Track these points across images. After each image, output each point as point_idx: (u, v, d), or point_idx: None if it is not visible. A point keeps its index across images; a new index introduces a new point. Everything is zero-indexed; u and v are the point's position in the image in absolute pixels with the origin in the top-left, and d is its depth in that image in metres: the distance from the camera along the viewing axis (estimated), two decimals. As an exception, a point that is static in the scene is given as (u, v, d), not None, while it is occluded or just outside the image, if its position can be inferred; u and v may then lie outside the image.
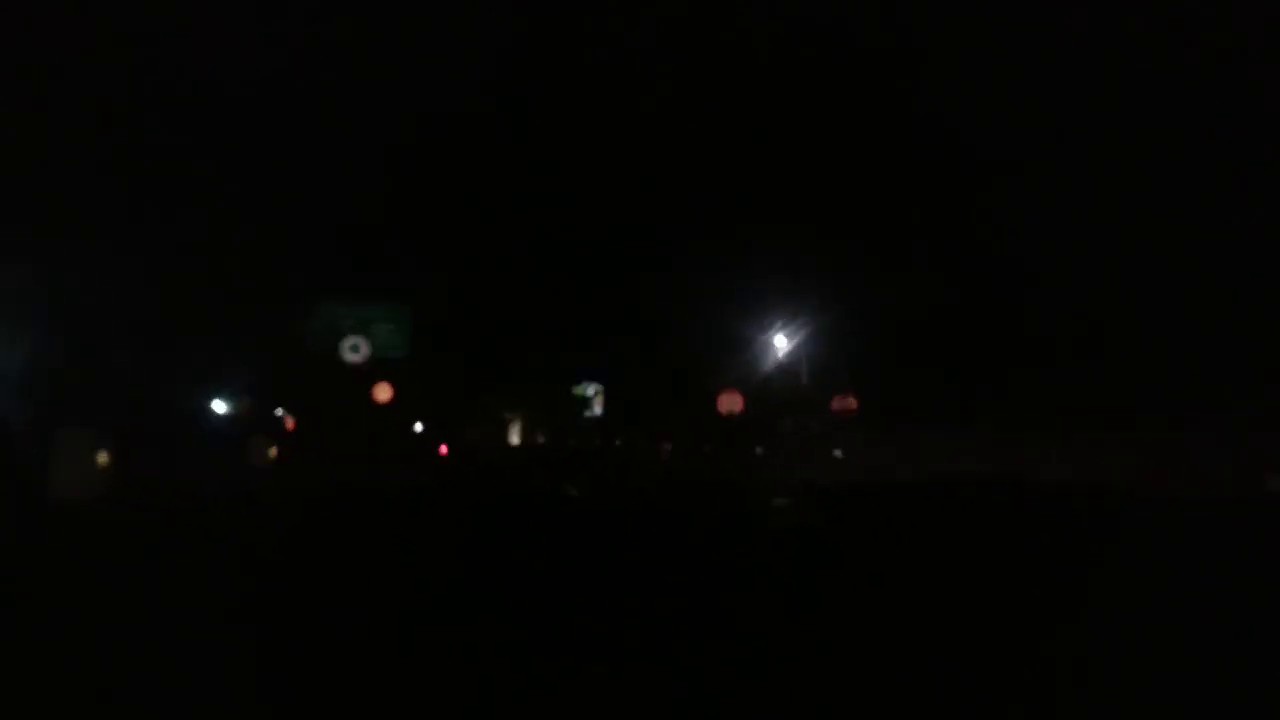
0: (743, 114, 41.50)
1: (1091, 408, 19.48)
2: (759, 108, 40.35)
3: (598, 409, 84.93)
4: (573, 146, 55.91)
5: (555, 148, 58.61)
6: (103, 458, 16.13)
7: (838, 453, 23.70)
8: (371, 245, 35.45)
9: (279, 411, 28.73)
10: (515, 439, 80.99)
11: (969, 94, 25.43)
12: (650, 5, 35.49)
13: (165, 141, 22.31)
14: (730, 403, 26.00)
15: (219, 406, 23.57)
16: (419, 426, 38.20)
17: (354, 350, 25.58)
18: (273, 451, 23.08)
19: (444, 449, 38.78)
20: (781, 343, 28.91)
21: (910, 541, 10.37)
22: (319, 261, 28.95)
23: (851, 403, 25.08)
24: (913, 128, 29.64)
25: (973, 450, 19.74)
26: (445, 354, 42.94)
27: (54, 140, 18.37)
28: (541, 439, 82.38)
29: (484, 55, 37.53)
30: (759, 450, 27.11)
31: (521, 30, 38.57)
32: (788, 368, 30.39)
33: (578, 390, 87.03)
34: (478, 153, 55.94)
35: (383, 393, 26.35)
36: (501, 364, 66.63)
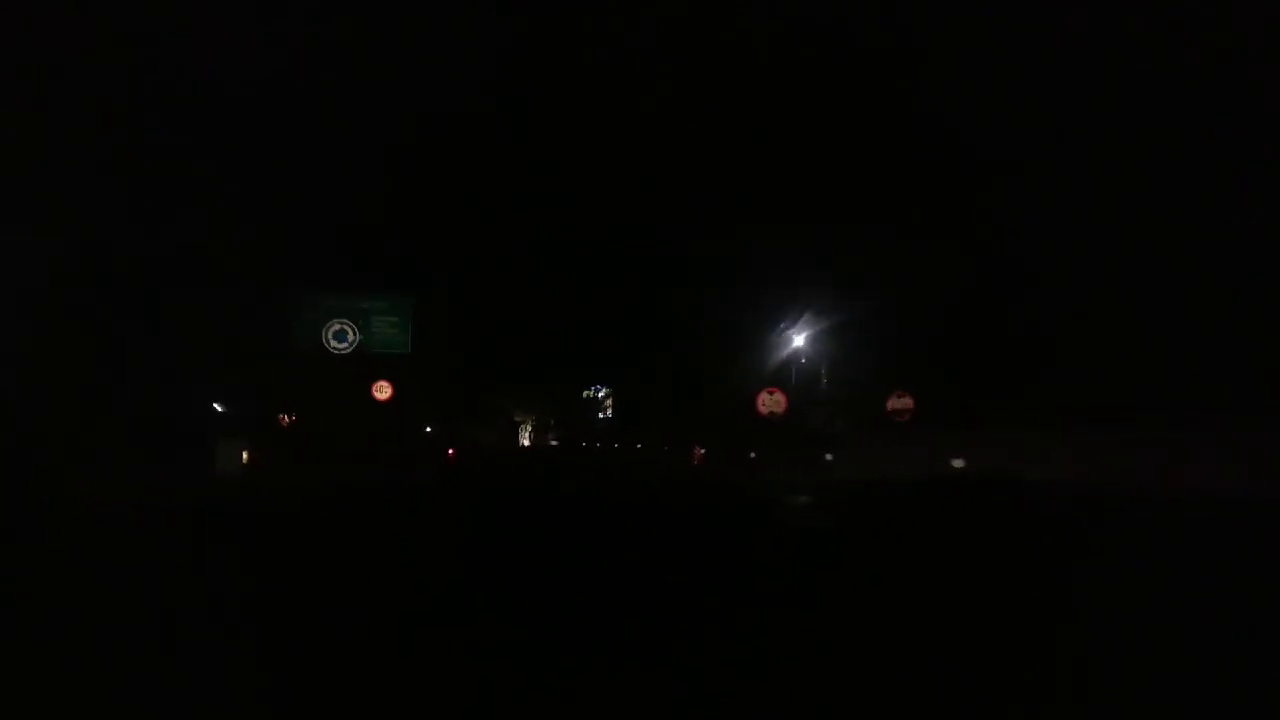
0: (773, 116, 41.49)
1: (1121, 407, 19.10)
2: (785, 108, 40.38)
3: (608, 412, 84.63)
4: (588, 147, 55.97)
5: (571, 148, 58.73)
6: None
7: (958, 462, 20.54)
8: (377, 243, 35.10)
9: (277, 413, 26.44)
10: (526, 441, 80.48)
11: (998, 95, 25.24)
12: (656, 4, 35.46)
13: (163, 141, 22.00)
14: (771, 403, 24.22)
15: (184, 408, 20.24)
16: (419, 428, 36.96)
17: (339, 339, 22.60)
18: (246, 456, 20.13)
19: (451, 452, 37.63)
20: (801, 342, 28.20)
21: (914, 540, 10.37)
22: (319, 258, 28.46)
23: (908, 402, 23.53)
24: (923, 127, 29.52)
25: (1036, 451, 18.97)
26: (452, 352, 41.88)
27: (51, 139, 18.20)
28: (554, 441, 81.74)
29: (489, 55, 37.51)
30: (828, 457, 24.32)
31: (525, 30, 38.56)
32: (808, 367, 29.62)
33: (587, 392, 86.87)
34: (490, 153, 56.02)
35: (381, 391, 24.68)
36: (511, 364, 66.11)
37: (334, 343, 22.33)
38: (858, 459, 23.08)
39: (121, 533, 10.23)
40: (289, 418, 26.59)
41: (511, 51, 39.69)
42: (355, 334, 22.77)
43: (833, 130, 37.88)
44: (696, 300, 54.14)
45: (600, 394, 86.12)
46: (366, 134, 35.05)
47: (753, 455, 27.06)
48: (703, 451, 32.79)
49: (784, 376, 28.11)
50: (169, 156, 21.01)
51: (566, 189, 63.88)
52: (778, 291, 31.86)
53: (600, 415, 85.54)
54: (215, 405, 21.29)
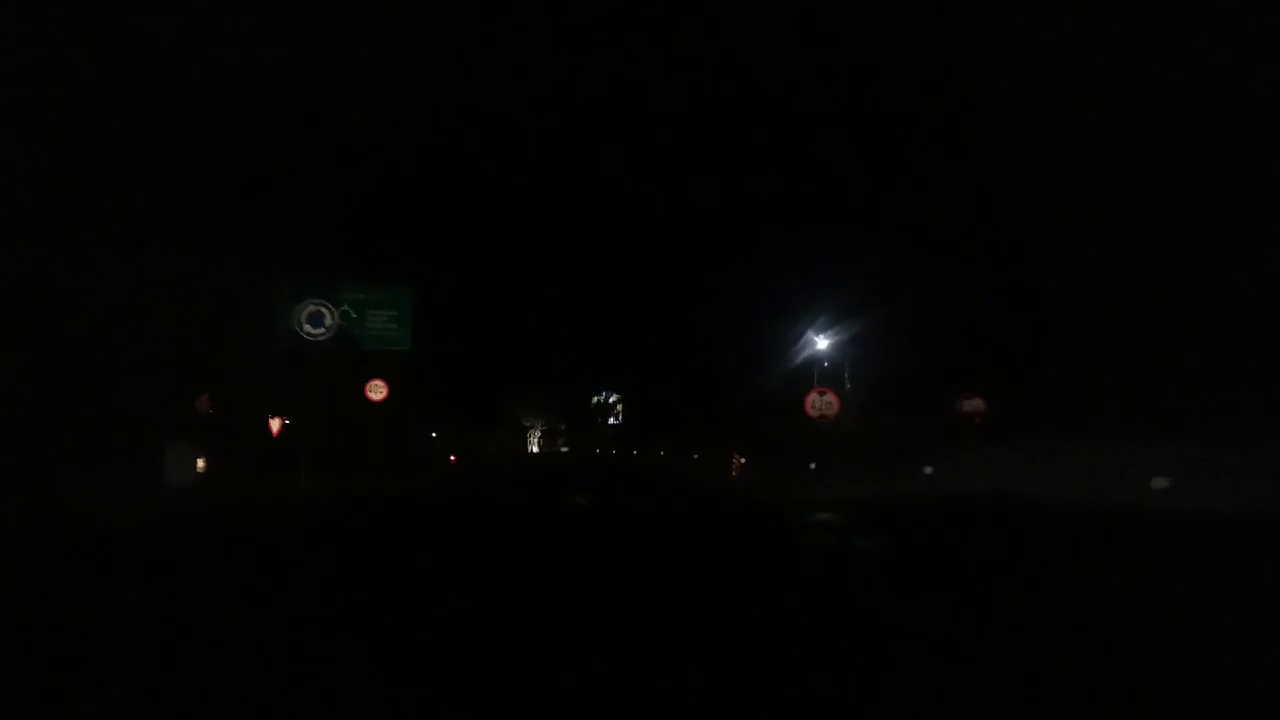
0: (792, 111, 40.51)
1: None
2: (801, 104, 39.38)
3: (618, 417, 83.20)
4: (599, 142, 55.14)
5: (580, 144, 57.88)
6: None
7: (1162, 481, 14.87)
8: (380, 237, 33.79)
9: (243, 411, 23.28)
10: (535, 447, 78.81)
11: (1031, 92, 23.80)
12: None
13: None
14: (822, 405, 20.60)
15: (128, 404, 16.33)
16: (421, 432, 35.02)
17: (314, 323, 17.93)
18: (201, 464, 17.06)
19: (453, 459, 35.89)
20: (824, 344, 25.88)
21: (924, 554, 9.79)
22: (317, 253, 26.91)
23: (979, 404, 20.51)
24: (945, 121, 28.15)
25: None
26: (456, 351, 39.90)
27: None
28: (564, 448, 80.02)
29: (505, 55, 36.65)
30: (928, 470, 20.25)
31: (540, 29, 37.70)
32: (830, 371, 27.36)
33: (597, 397, 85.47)
34: (509, 152, 55.17)
35: (376, 391, 22.14)
36: (519, 366, 64.34)
37: (308, 327, 17.80)
38: (966, 473, 18.83)
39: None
40: (281, 421, 24.21)
41: (527, 53, 38.92)
42: (334, 317, 18.28)
43: (855, 125, 36.84)
44: (713, 297, 52.71)
45: (610, 399, 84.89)
46: (374, 127, 34.01)
47: (813, 466, 23.13)
48: (743, 461, 28.73)
49: (805, 380, 26.43)
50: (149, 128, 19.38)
51: (576, 183, 63.01)
52: (800, 287, 30.39)
53: (611, 420, 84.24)
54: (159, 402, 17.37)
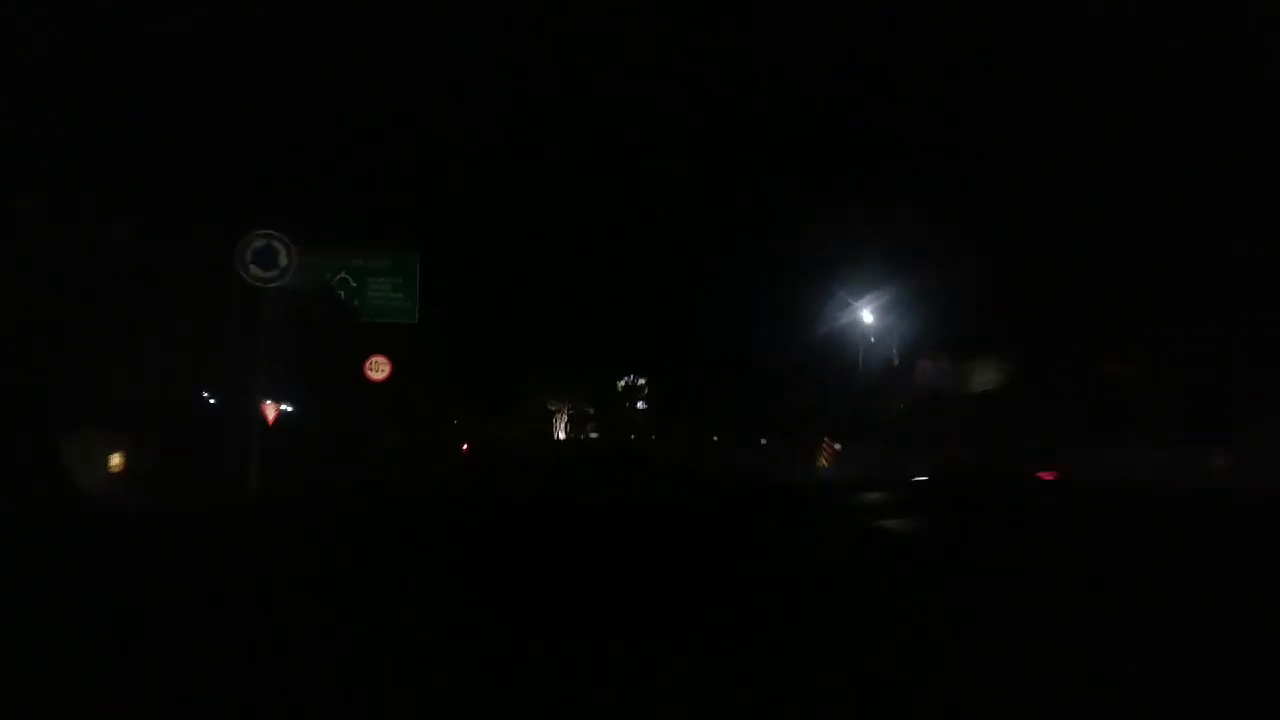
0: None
1: None
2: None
3: (647, 401, 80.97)
4: (624, 114, 53.43)
5: (613, 126, 56.14)
6: None
7: None
8: (393, 207, 32.20)
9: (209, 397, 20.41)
10: (561, 434, 76.61)
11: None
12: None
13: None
14: (935, 375, 17.79)
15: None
16: (437, 419, 32.79)
17: (264, 262, 13.65)
18: (117, 461, 13.99)
19: (465, 447, 33.89)
20: (869, 316, 23.25)
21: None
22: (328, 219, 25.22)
23: (1133, 368, 16.97)
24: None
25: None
26: (472, 326, 37.81)
27: None
28: (594, 434, 77.62)
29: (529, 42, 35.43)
30: (1218, 460, 15.95)
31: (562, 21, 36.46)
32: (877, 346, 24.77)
33: (624, 381, 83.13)
34: (525, 129, 53.50)
35: (377, 370, 20.08)
36: (544, 347, 61.88)
37: (256, 268, 13.52)
38: None
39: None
40: (276, 407, 20.79)
41: (550, 37, 37.55)
42: (289, 256, 13.84)
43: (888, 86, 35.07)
44: (749, 267, 50.55)
45: (639, 382, 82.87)
46: (393, 101, 32.71)
47: (957, 453, 19.00)
48: (838, 447, 24.87)
49: (849, 356, 24.11)
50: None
51: (598, 160, 61.33)
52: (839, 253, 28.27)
53: (640, 405, 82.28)
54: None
